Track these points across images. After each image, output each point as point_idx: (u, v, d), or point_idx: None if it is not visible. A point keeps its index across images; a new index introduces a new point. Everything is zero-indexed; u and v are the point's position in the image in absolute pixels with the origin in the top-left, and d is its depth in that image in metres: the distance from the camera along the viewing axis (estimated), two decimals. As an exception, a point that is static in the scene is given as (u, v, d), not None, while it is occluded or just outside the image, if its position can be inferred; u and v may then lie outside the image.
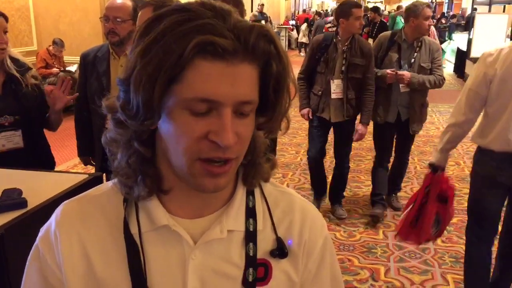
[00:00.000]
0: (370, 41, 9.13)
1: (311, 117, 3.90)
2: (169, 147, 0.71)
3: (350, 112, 3.81)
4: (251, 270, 0.79)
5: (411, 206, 2.72)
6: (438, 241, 3.77)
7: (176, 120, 0.68)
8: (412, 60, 3.83)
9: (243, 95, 0.68)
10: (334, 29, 3.88)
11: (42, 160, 2.48)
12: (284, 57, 0.71)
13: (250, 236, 0.80)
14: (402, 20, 12.61)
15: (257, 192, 0.84)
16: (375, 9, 10.93)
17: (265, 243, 0.82)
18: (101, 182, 1.98)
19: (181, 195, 0.78)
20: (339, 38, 3.75)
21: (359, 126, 3.87)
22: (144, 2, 2.16)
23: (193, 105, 0.67)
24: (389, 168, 4.32)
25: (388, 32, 4.09)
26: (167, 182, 0.77)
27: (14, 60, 2.35)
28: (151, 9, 1.98)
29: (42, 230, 0.82)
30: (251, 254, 0.80)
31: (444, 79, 3.93)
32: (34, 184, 1.87)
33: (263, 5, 17.91)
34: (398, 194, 4.50)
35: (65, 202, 0.83)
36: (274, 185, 0.88)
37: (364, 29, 10.04)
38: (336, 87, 3.73)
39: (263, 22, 12.52)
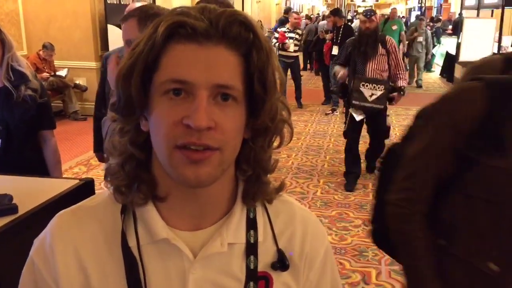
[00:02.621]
0: (336, 49, 7.81)
1: None
2: (154, 141, 0.72)
3: None
4: (251, 284, 0.78)
5: None
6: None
7: (155, 109, 0.70)
8: None
9: (218, 77, 0.68)
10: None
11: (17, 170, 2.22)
12: (266, 45, 0.71)
13: (251, 248, 0.79)
14: (394, 27, 11.61)
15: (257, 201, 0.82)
16: (335, 12, 9.16)
17: (265, 255, 0.80)
18: (92, 187, 1.97)
19: (177, 203, 0.76)
20: None
21: None
22: (126, 14, 2.05)
23: (167, 88, 0.68)
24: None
25: None
26: (162, 187, 0.76)
27: (14, 71, 2.26)
28: (135, 20, 1.89)
29: (36, 242, 0.80)
30: (251, 267, 0.78)
31: None
32: (25, 190, 1.86)
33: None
34: None
35: (59, 213, 0.82)
36: None
37: (327, 36, 8.81)
38: None
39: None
